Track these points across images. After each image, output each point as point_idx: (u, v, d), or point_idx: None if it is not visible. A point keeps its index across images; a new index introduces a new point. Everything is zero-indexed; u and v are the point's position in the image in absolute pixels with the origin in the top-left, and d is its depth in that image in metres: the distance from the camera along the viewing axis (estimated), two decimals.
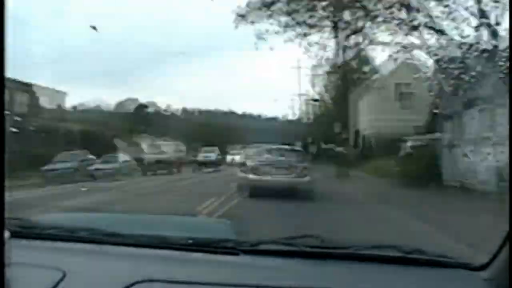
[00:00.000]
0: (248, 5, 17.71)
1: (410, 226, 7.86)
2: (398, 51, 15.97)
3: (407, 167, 15.59)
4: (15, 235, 1.42)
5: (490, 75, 11.53)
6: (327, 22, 18.35)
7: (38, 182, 18.30)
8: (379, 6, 15.59)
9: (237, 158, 26.83)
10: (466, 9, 13.02)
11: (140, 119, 45.15)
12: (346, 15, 17.70)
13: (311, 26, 17.95)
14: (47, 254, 1.40)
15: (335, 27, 18.79)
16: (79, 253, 1.40)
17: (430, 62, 15.94)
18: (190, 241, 1.46)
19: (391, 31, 15.63)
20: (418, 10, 14.39)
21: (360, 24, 17.46)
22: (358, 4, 16.35)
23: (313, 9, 17.36)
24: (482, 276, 1.31)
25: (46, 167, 20.39)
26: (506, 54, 10.36)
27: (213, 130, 49.80)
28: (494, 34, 11.89)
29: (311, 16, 17.55)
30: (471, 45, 12.36)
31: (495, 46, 11.59)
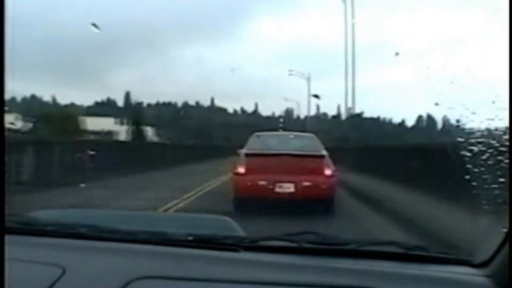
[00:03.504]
0: None
1: None
2: None
3: None
4: (14, 231, 1.42)
5: None
6: None
7: None
8: None
9: None
10: None
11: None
12: None
13: None
14: (46, 250, 1.39)
15: None
16: (79, 250, 1.40)
17: None
18: (190, 238, 1.46)
19: None
20: None
21: None
22: None
23: None
24: (482, 273, 1.31)
25: None
26: None
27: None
28: None
29: None
30: None
31: None
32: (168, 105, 66.16)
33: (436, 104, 2.21)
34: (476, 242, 1.56)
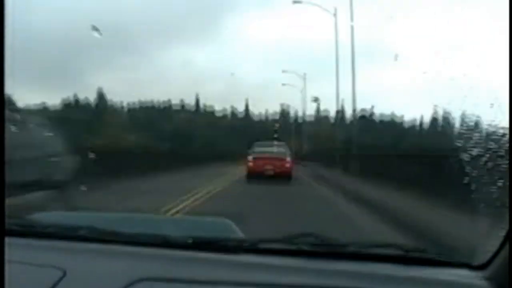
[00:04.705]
0: None
1: None
2: None
3: None
4: (14, 233, 1.42)
5: None
6: None
7: None
8: None
9: None
10: None
11: None
12: None
13: None
14: (47, 253, 1.40)
15: None
16: (79, 252, 1.40)
17: None
18: (190, 240, 1.46)
19: None
20: None
21: None
22: None
23: None
24: (482, 275, 1.32)
25: None
26: None
27: None
28: None
29: None
30: None
31: None
32: (151, 108, 63.07)
33: (435, 106, 2.21)
34: (475, 245, 1.57)
